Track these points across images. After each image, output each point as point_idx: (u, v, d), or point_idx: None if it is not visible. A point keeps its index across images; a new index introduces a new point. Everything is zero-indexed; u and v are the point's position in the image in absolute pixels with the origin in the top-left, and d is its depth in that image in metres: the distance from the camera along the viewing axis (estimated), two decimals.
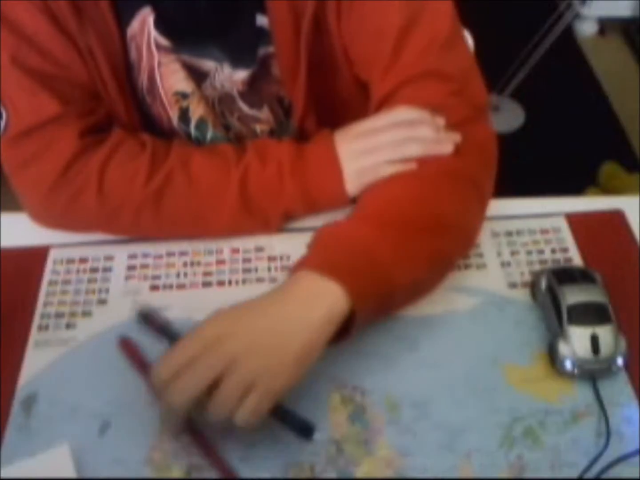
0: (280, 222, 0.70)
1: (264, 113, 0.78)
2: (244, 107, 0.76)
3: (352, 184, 0.65)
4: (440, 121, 0.65)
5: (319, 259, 0.57)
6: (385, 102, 0.68)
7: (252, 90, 0.75)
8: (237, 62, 0.72)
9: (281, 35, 0.68)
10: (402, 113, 0.65)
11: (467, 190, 0.64)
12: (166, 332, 0.59)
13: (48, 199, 0.66)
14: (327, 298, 0.53)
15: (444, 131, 0.64)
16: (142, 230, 0.69)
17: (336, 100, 0.76)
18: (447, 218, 0.62)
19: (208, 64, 0.72)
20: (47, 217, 0.70)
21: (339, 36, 0.69)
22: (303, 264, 0.56)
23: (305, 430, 0.53)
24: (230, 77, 0.73)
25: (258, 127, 0.79)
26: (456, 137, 0.64)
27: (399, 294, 0.59)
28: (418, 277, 0.59)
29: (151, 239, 0.70)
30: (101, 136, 0.67)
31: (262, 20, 0.69)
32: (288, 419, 0.53)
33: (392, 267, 0.57)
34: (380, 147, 0.65)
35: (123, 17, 0.68)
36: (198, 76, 0.73)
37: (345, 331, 0.55)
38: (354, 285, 0.53)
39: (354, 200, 0.66)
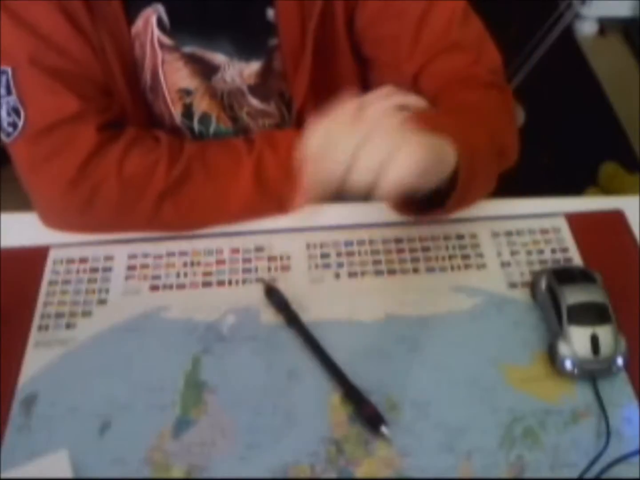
0: (298, 203, 0.71)
1: (272, 107, 0.79)
2: (254, 102, 0.78)
3: None
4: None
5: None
6: (418, 79, 0.71)
7: (263, 84, 0.76)
8: (247, 55, 0.73)
9: (287, 27, 0.70)
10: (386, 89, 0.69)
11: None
12: (286, 309, 0.64)
13: (68, 194, 0.66)
14: None
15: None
16: (160, 219, 0.69)
17: (334, 90, 0.77)
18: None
19: (219, 58, 0.73)
20: (63, 215, 0.70)
21: (344, 17, 0.71)
22: None
23: (374, 421, 0.56)
24: (241, 71, 0.74)
25: (266, 122, 0.80)
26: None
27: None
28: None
29: (151, 239, 0.70)
30: (117, 132, 0.68)
31: (270, 13, 0.71)
32: (360, 406, 0.57)
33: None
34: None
35: (129, 15, 0.69)
36: (209, 69, 0.74)
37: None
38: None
39: None
